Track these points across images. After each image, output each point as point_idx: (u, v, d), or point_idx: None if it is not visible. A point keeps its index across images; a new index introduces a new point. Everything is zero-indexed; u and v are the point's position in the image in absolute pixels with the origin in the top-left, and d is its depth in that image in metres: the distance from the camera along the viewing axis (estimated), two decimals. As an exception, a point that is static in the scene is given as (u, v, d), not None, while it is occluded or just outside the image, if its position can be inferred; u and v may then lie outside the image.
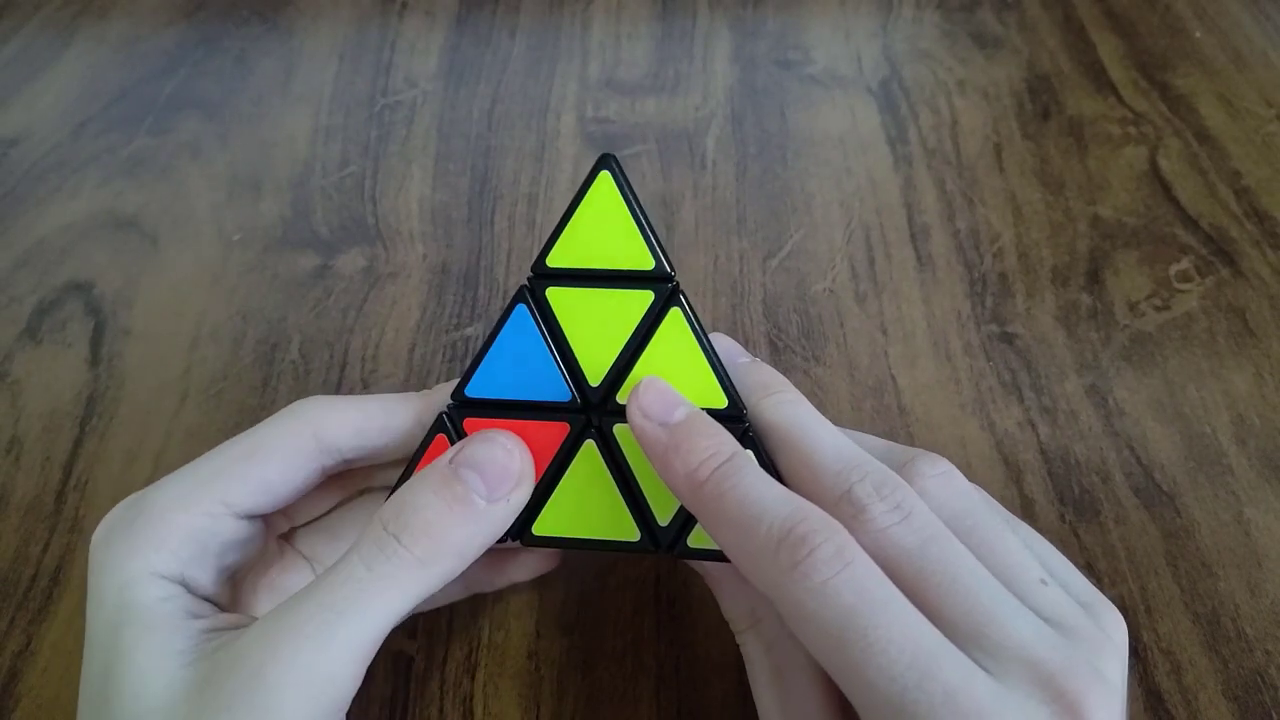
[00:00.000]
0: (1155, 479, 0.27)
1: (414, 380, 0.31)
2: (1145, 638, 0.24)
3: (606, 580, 0.26)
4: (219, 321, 0.32)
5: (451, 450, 0.19)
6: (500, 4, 0.46)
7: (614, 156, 0.20)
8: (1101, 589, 0.25)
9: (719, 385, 0.20)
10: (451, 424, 0.20)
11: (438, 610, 0.25)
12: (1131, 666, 0.20)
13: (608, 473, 0.20)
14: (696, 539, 0.20)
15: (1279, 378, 0.30)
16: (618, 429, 0.20)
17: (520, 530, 0.20)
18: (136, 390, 0.31)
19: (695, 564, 0.22)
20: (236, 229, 0.36)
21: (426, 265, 0.34)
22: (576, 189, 0.20)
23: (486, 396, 0.21)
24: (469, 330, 0.32)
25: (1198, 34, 0.43)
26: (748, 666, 0.21)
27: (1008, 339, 0.31)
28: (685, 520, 0.20)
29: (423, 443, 0.20)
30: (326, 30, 0.45)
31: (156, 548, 0.18)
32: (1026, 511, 0.27)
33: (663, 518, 0.20)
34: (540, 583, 0.25)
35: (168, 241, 0.35)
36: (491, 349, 0.21)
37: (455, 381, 0.21)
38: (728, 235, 0.35)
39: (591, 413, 0.21)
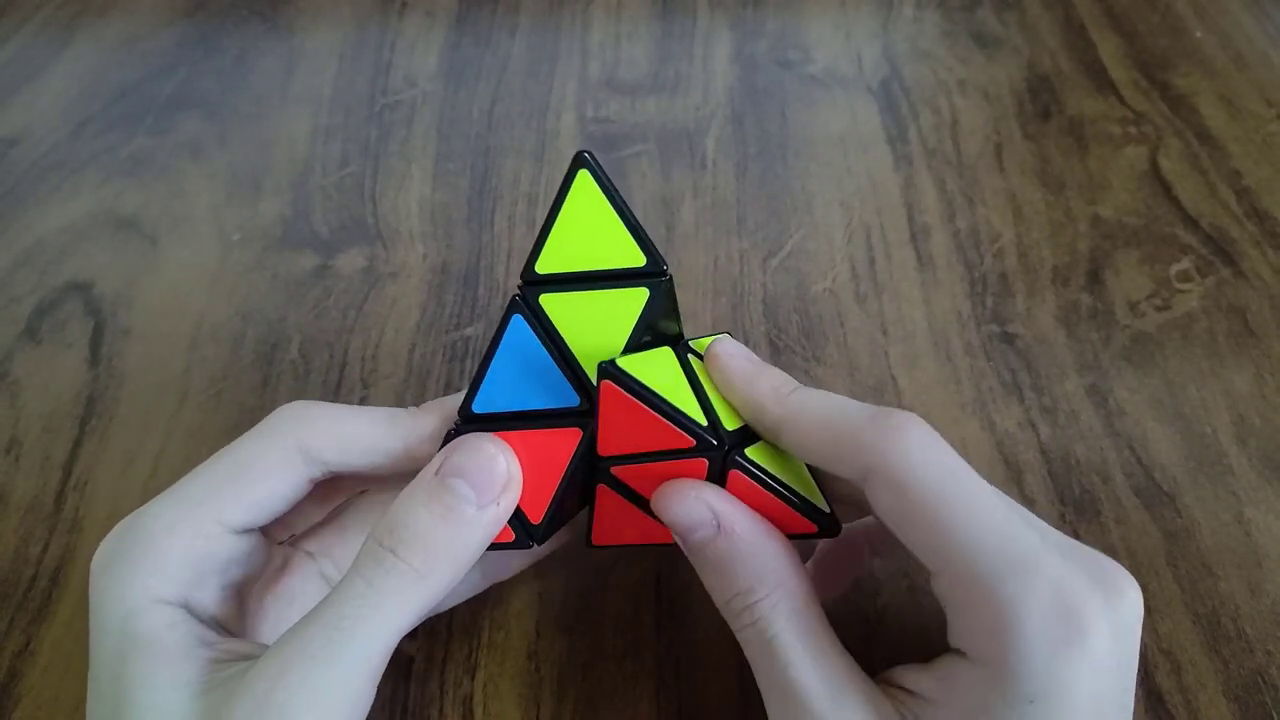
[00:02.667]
0: (1156, 479, 0.27)
1: (413, 380, 0.31)
2: (1146, 638, 0.24)
3: (606, 580, 0.26)
4: (219, 321, 0.32)
5: (437, 459, 0.19)
6: (500, 4, 0.46)
7: (590, 153, 0.20)
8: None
9: (687, 419, 0.20)
10: None
11: (438, 616, 0.25)
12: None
13: (626, 495, 0.21)
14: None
15: (1279, 378, 0.30)
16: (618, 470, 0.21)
17: (538, 534, 0.20)
18: (136, 390, 0.31)
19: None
20: (236, 229, 0.36)
21: (426, 265, 0.34)
22: (556, 190, 0.20)
23: (493, 411, 0.20)
24: (469, 330, 0.32)
25: (1198, 34, 0.43)
26: (764, 653, 0.20)
27: (1008, 339, 0.31)
28: None
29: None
30: (326, 30, 0.45)
31: (156, 573, 0.18)
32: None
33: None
34: (540, 583, 0.25)
35: (167, 241, 0.35)
36: (493, 363, 0.20)
37: (449, 397, 0.21)
38: (728, 235, 0.35)
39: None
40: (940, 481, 0.17)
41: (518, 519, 0.20)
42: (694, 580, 0.25)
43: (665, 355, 0.21)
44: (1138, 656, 0.17)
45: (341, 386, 0.30)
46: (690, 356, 0.21)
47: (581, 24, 0.44)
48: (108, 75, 0.42)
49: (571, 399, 0.20)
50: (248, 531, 0.20)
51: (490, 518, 0.19)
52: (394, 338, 0.32)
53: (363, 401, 0.30)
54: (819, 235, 0.35)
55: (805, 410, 0.19)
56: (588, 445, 0.20)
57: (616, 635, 0.25)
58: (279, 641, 0.17)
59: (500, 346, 0.20)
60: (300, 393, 0.30)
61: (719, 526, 0.19)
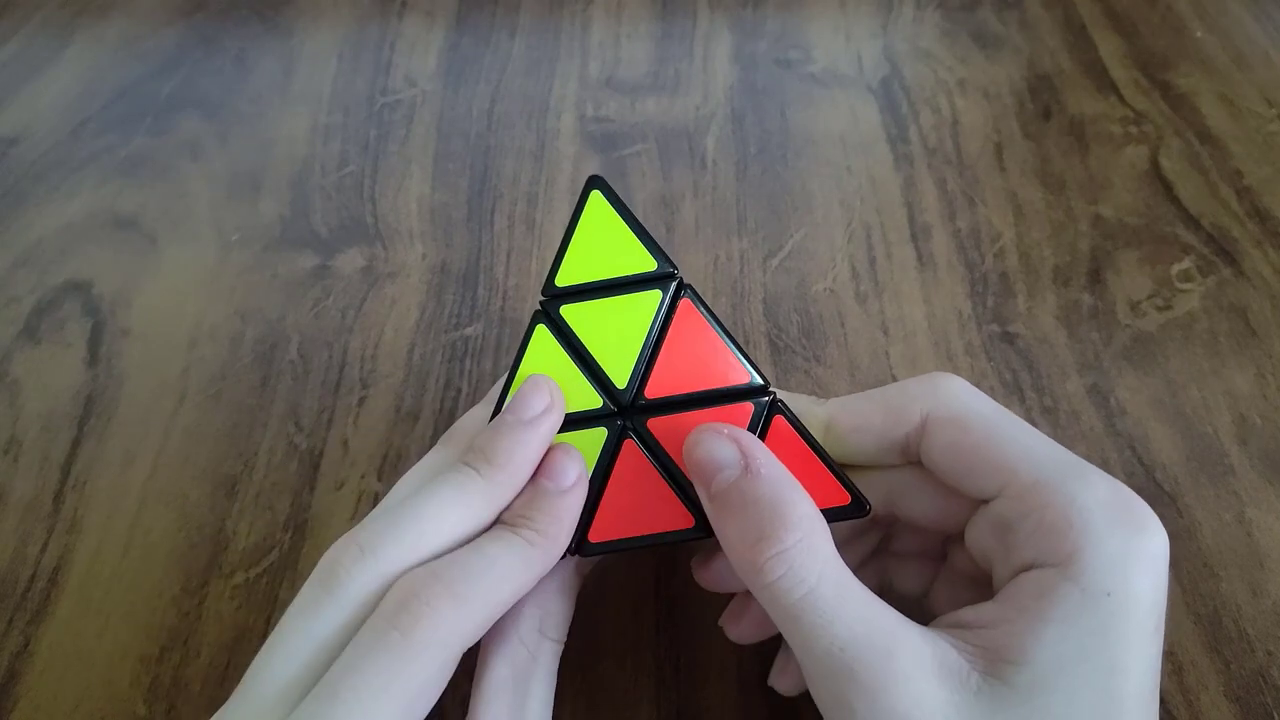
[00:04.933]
0: (1157, 479, 0.27)
1: (413, 379, 0.30)
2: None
3: (606, 580, 0.26)
4: (218, 321, 0.32)
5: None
6: (500, 3, 0.46)
7: (601, 177, 0.21)
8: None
9: (743, 361, 0.21)
10: None
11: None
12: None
13: (654, 467, 0.21)
14: None
15: (1281, 377, 0.30)
16: (652, 424, 0.21)
17: (578, 543, 0.21)
18: (135, 390, 0.31)
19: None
20: (235, 229, 0.36)
21: (426, 265, 0.34)
22: (573, 207, 0.21)
23: None
24: (468, 330, 0.32)
25: (1199, 33, 0.42)
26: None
27: (1009, 339, 0.31)
28: None
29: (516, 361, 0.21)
30: (326, 30, 0.45)
31: None
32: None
33: None
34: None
35: (166, 241, 0.35)
36: (518, 373, 0.21)
37: (469, 421, 0.22)
38: (728, 235, 0.34)
39: (625, 415, 0.21)
40: (994, 411, 0.19)
41: None
42: (694, 580, 0.25)
43: None
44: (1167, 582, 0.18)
45: (340, 386, 0.30)
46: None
47: (581, 24, 0.44)
48: (107, 75, 0.42)
49: (594, 401, 0.21)
50: None
51: (548, 427, 0.20)
52: (393, 337, 0.32)
53: (362, 402, 0.30)
54: (819, 235, 0.34)
55: (849, 398, 0.21)
56: (612, 447, 0.21)
57: (616, 635, 0.25)
58: None
59: (524, 359, 0.21)
60: (300, 393, 0.30)
61: (746, 467, 0.19)
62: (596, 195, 0.21)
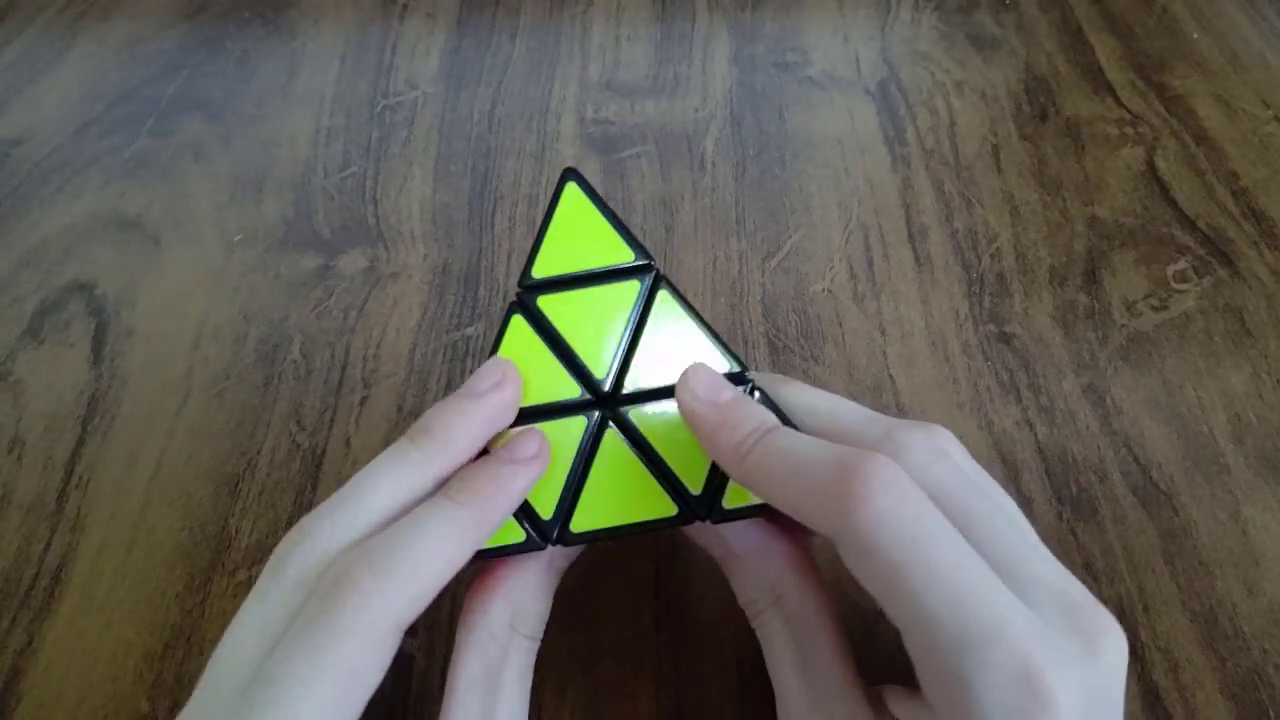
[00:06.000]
0: (1153, 478, 0.28)
1: (414, 379, 0.31)
2: (1143, 636, 0.25)
3: (607, 579, 0.26)
4: (221, 322, 0.33)
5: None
6: (500, 6, 0.46)
7: (575, 169, 0.21)
8: (1099, 588, 0.26)
9: (719, 351, 0.21)
10: None
11: (438, 609, 0.25)
12: (1129, 665, 0.20)
13: (634, 457, 0.21)
14: (732, 499, 0.21)
15: (1276, 377, 0.30)
16: (633, 414, 0.21)
17: (560, 533, 0.21)
18: (138, 390, 0.31)
19: (714, 546, 0.22)
20: (238, 229, 0.36)
21: (427, 265, 0.34)
22: (546, 205, 0.22)
23: None
24: (470, 330, 0.32)
25: (1195, 35, 0.43)
26: (765, 647, 0.21)
27: (1005, 339, 0.31)
28: (718, 485, 0.21)
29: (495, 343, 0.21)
30: (328, 32, 0.45)
31: None
32: (1024, 510, 0.27)
33: (695, 487, 0.21)
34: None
35: (170, 242, 0.35)
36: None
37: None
38: (726, 236, 0.35)
39: (604, 404, 0.21)
40: (904, 549, 0.17)
41: (527, 517, 0.20)
42: (693, 578, 0.25)
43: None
44: (1122, 704, 0.17)
45: (343, 386, 0.31)
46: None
47: (581, 26, 0.44)
48: (110, 77, 0.43)
49: (573, 391, 0.21)
50: None
51: (495, 402, 0.20)
52: (395, 338, 0.32)
53: (364, 401, 0.30)
54: (817, 236, 0.35)
55: (766, 469, 0.19)
56: (592, 435, 0.21)
57: (616, 634, 0.25)
58: None
59: (499, 348, 0.21)
60: (300, 393, 0.30)
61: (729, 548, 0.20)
62: (572, 187, 0.21)
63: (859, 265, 0.34)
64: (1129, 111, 0.39)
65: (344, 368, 0.31)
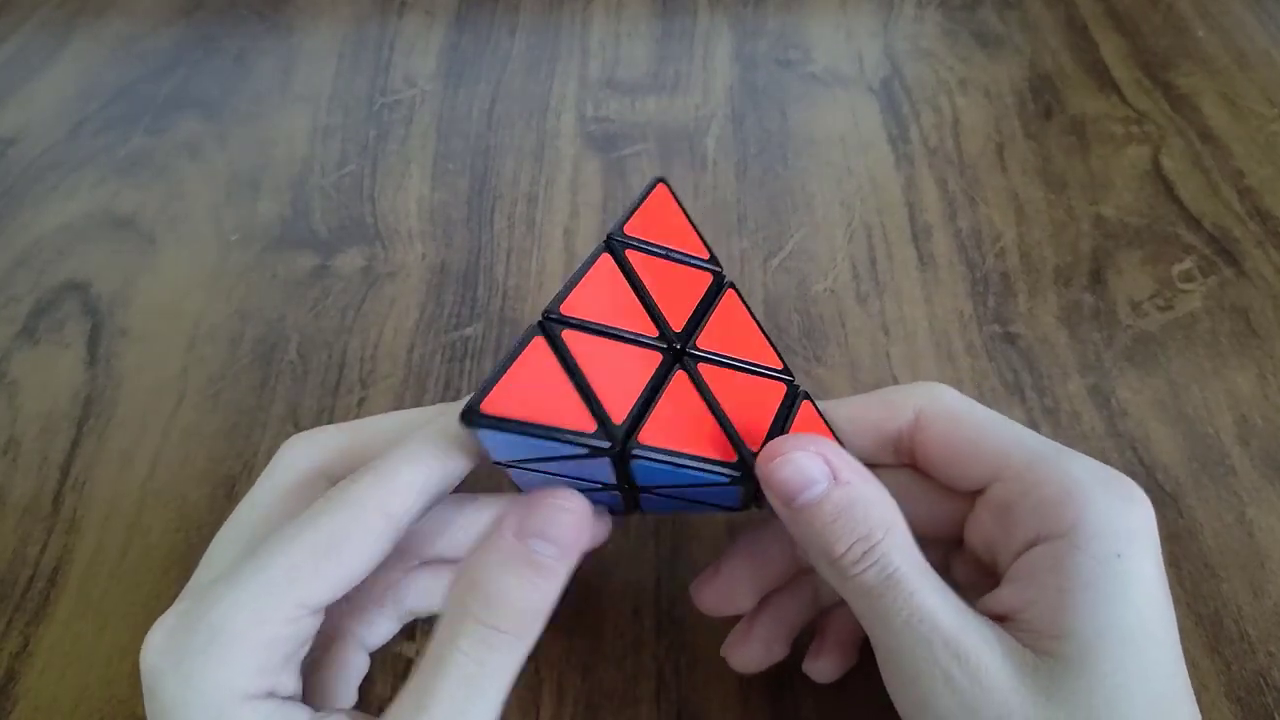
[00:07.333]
0: (1158, 479, 0.27)
1: (412, 380, 0.30)
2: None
3: (607, 581, 0.25)
4: (217, 321, 0.32)
5: (511, 520, 0.19)
6: (500, 3, 0.45)
7: (618, 238, 0.22)
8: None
9: (772, 350, 0.22)
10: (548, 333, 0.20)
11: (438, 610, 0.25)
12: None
13: (703, 402, 0.20)
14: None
15: (1282, 378, 0.30)
16: (702, 368, 0.21)
17: (626, 440, 0.19)
18: (134, 390, 0.30)
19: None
20: (235, 229, 0.35)
21: (425, 265, 0.34)
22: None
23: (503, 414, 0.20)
24: (468, 330, 0.32)
25: (1200, 33, 0.42)
26: (889, 587, 0.19)
27: (1010, 339, 0.31)
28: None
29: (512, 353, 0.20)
30: (326, 29, 0.44)
31: (242, 671, 0.17)
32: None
33: (754, 445, 0.20)
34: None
35: (165, 241, 0.35)
36: (507, 372, 0.20)
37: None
38: (728, 235, 0.34)
39: (678, 354, 0.21)
40: (983, 409, 0.21)
41: (598, 417, 0.20)
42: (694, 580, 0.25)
43: None
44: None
45: (340, 387, 0.30)
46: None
47: (581, 23, 0.44)
48: (105, 75, 0.42)
49: (588, 426, 0.20)
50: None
51: (570, 568, 0.19)
52: (393, 338, 0.32)
53: (361, 403, 0.30)
54: (820, 235, 0.34)
55: (844, 399, 0.22)
56: (666, 369, 0.21)
57: (616, 636, 0.25)
58: None
59: (515, 364, 0.20)
60: (299, 393, 0.30)
61: (835, 478, 0.19)
62: (606, 258, 0.21)
63: (862, 265, 0.33)
64: (1134, 110, 0.39)
65: (341, 368, 0.31)
